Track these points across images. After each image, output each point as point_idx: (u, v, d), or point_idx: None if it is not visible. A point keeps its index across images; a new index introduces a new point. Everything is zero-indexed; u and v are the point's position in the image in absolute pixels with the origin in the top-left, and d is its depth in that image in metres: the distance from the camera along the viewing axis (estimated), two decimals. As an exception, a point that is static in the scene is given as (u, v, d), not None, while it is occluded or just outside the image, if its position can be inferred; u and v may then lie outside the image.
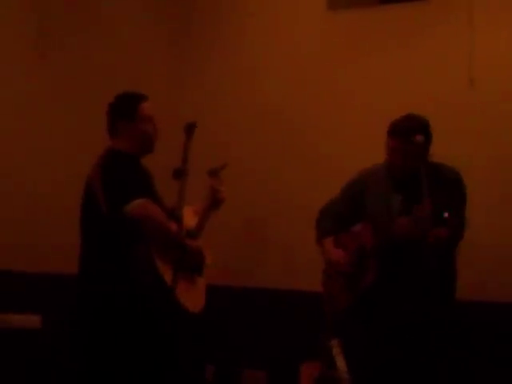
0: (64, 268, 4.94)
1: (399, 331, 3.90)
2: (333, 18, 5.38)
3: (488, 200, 4.74)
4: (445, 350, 3.90)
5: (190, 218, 3.89)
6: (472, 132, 4.89)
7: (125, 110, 3.82)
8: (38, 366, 4.68)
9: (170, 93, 5.63)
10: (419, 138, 3.81)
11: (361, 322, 4.08)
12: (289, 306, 5.32)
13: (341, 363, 4.46)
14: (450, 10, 5.00)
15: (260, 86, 5.62)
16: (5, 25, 5.18)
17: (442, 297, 3.91)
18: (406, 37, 5.14)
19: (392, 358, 3.91)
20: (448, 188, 3.86)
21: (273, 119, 5.55)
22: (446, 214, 3.66)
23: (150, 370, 3.68)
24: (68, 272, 4.95)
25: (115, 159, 3.72)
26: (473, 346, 4.70)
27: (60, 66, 5.39)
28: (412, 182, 3.92)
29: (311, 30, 5.47)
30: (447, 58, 4.99)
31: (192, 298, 3.75)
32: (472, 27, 4.86)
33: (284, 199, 5.46)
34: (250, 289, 5.47)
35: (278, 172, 5.50)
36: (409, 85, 5.08)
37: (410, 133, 3.86)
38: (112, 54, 5.55)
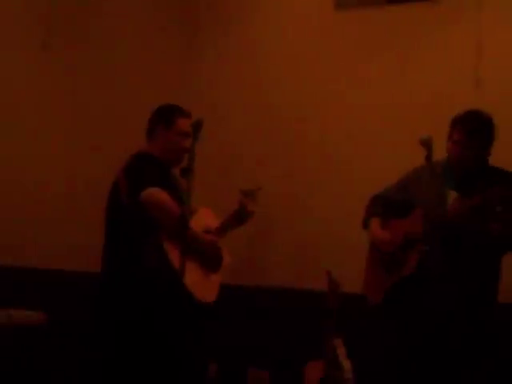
0: (71, 265, 4.98)
1: (436, 325, 3.84)
2: (340, 17, 5.37)
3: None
4: (483, 352, 3.84)
5: (209, 221, 4.02)
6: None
7: (165, 116, 3.99)
8: (43, 363, 4.69)
9: (177, 91, 5.63)
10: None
11: (396, 314, 4.02)
12: (293, 305, 5.31)
13: (345, 363, 4.45)
14: (459, 10, 4.98)
15: (267, 86, 5.61)
16: (11, 19, 5.18)
17: (483, 296, 3.86)
18: (413, 37, 5.12)
19: (426, 354, 3.85)
20: (497, 185, 3.77)
21: (282, 118, 5.54)
22: (498, 208, 3.64)
23: (156, 364, 3.72)
24: (74, 269, 4.99)
25: (143, 158, 3.88)
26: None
27: (66, 62, 5.39)
28: (469, 180, 3.91)
29: (318, 30, 5.45)
30: (454, 58, 4.98)
31: (203, 288, 3.84)
32: (480, 28, 4.86)
33: (292, 197, 5.45)
34: (255, 288, 5.47)
35: (288, 171, 5.49)
36: (415, 84, 5.07)
37: (480, 128, 3.90)
38: (118, 49, 5.57)
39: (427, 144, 3.85)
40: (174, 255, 3.63)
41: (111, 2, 5.64)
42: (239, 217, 4.01)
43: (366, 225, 4.24)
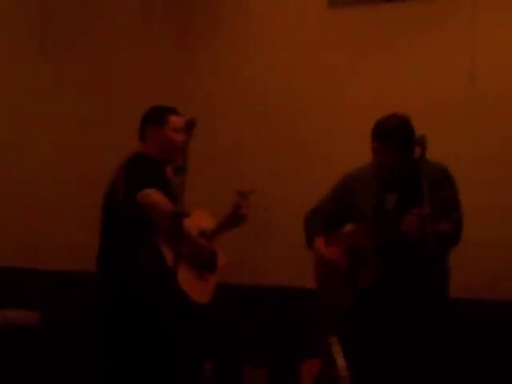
0: (64, 265, 4.98)
1: (397, 331, 3.89)
2: (334, 15, 5.38)
3: (487, 197, 4.74)
4: (441, 350, 3.88)
5: (205, 223, 4.05)
6: (472, 130, 4.89)
7: (155, 116, 4.02)
8: (36, 363, 4.69)
9: (173, 91, 5.63)
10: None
11: (359, 322, 4.08)
12: (289, 303, 5.32)
13: (341, 361, 4.46)
14: (453, 7, 4.99)
15: (261, 84, 5.62)
16: (6, 21, 5.19)
17: (437, 296, 3.89)
18: (408, 34, 5.13)
19: (389, 358, 3.92)
20: (439, 185, 3.83)
21: (275, 117, 5.55)
22: (454, 216, 3.64)
23: (152, 363, 3.74)
24: (67, 269, 4.99)
25: (139, 159, 3.91)
26: (469, 345, 4.69)
27: (62, 63, 5.41)
28: (404, 180, 3.92)
29: (312, 28, 5.46)
30: (449, 56, 4.99)
31: (198, 289, 3.87)
32: (474, 25, 4.86)
33: (291, 195, 5.45)
34: (251, 286, 5.48)
35: (287, 170, 5.50)
36: (409, 82, 5.08)
37: (388, 134, 3.89)
38: (113, 51, 5.57)
39: (421, 143, 3.85)
40: (169, 256, 3.65)
41: (107, 2, 5.65)
42: (233, 219, 4.03)
43: (309, 244, 4.20)
